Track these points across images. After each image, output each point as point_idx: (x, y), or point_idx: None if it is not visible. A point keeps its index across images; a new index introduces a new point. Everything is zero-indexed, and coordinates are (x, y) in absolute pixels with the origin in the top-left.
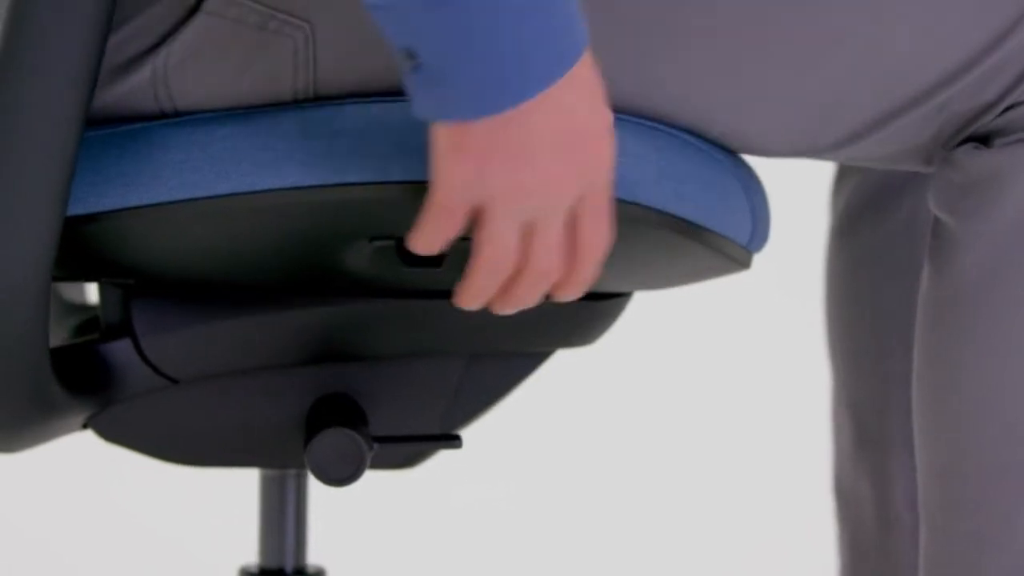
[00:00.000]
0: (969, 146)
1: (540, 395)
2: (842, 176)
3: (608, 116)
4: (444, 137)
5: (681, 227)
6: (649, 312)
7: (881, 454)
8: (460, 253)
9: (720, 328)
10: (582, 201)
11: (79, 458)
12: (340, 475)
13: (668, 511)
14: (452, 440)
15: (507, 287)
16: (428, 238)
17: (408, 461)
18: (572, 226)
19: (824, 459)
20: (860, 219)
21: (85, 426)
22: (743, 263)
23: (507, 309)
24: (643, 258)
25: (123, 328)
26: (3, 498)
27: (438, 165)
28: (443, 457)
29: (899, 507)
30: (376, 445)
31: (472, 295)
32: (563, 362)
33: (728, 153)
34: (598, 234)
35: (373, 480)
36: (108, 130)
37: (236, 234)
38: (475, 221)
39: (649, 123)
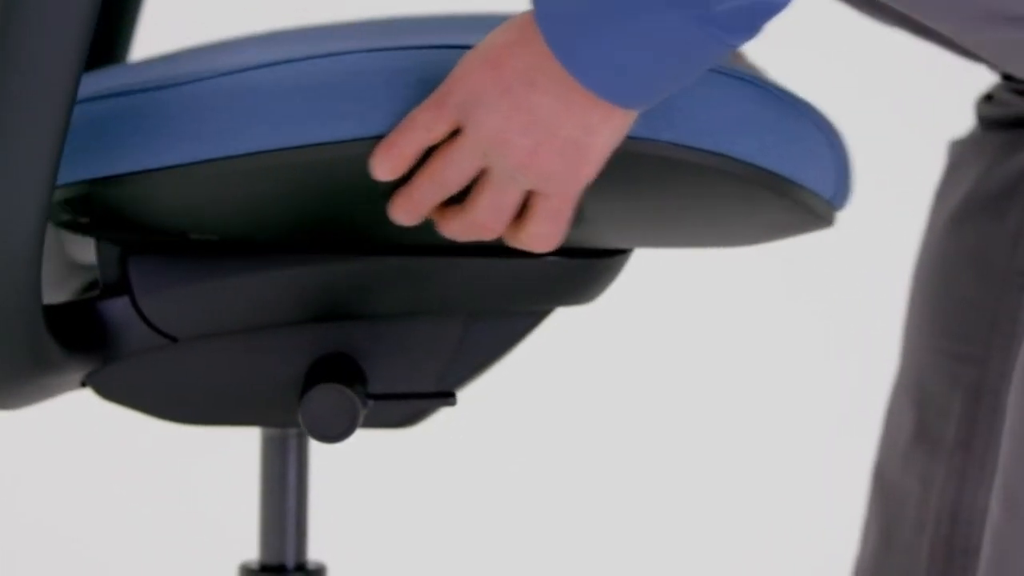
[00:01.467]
0: None
1: (546, 394)
2: (957, 169)
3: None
4: (514, 35)
5: (766, 180)
6: (655, 301)
7: (935, 456)
8: None
9: (722, 317)
10: (545, 196)
11: (80, 454)
12: (333, 431)
13: (666, 500)
14: (447, 397)
15: (446, 216)
16: (408, 133)
17: (406, 420)
18: (524, 205)
19: (813, 450)
20: (970, 219)
21: (83, 384)
22: (826, 220)
23: (445, 233)
24: (722, 212)
25: (120, 285)
26: (4, 495)
27: (475, 54)
28: (445, 453)
29: (938, 510)
30: (371, 402)
31: (405, 202)
32: (567, 360)
33: (811, 107)
34: (543, 234)
35: (374, 476)
36: (120, 92)
37: (253, 192)
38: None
39: (731, 72)
